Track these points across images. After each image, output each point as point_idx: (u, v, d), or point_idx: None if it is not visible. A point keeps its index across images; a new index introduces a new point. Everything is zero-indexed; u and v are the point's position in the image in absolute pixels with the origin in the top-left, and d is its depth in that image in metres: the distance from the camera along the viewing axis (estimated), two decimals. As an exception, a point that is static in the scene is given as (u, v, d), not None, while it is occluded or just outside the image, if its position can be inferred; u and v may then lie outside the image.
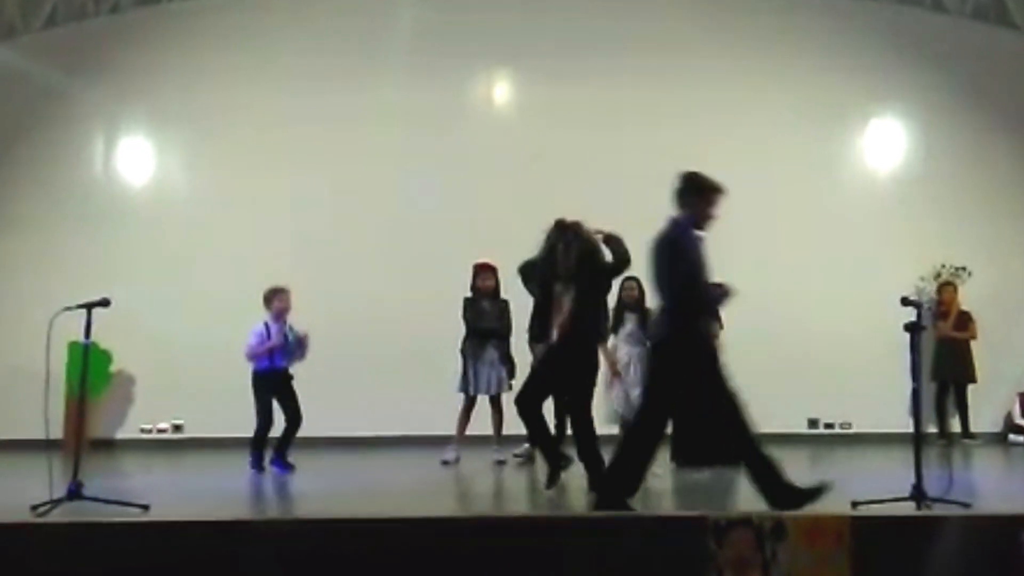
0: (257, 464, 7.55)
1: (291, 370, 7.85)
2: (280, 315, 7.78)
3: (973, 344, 10.18)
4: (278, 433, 7.74)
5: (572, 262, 6.57)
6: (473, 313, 8.33)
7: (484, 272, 8.42)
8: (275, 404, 7.74)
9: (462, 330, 8.32)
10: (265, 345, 7.69)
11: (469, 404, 8.26)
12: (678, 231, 5.75)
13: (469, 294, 8.43)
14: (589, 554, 5.07)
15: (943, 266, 10.28)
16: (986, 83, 10.73)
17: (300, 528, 5.30)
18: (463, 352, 8.29)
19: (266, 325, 7.77)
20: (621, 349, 8.18)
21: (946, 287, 10.25)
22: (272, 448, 7.66)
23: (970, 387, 10.19)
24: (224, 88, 10.31)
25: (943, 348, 10.18)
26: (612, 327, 8.18)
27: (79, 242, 10.00)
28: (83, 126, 10.45)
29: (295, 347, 7.78)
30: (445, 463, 7.92)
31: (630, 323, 8.24)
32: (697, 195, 5.81)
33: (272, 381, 7.72)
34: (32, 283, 9.69)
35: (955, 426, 10.18)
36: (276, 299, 7.79)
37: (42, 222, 10.09)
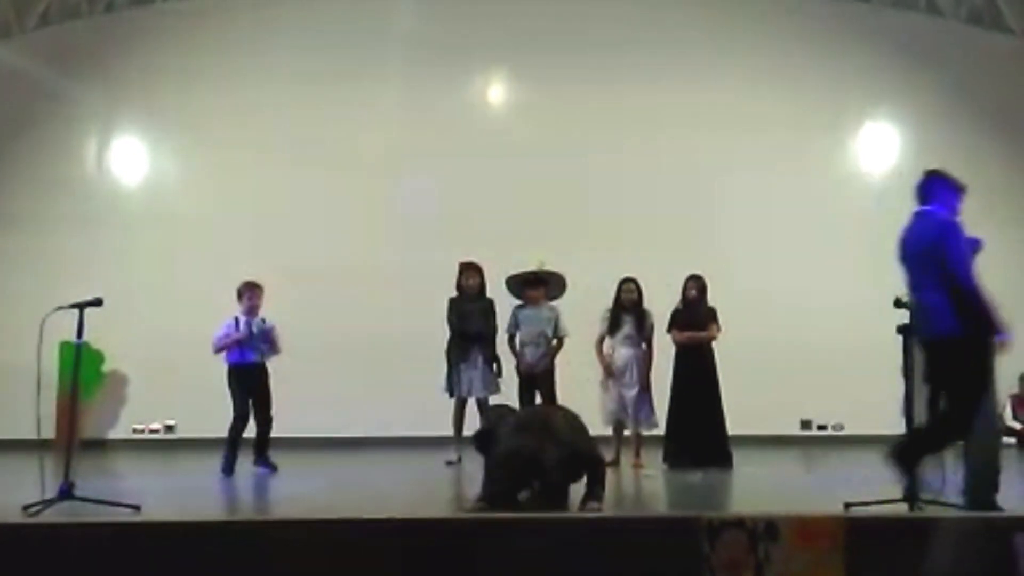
0: (228, 467, 7.37)
1: (271, 366, 7.72)
2: (251, 311, 7.68)
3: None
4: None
5: None
6: (457, 315, 8.16)
7: (469, 271, 8.27)
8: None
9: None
10: (231, 337, 7.58)
11: (459, 405, 8.14)
12: (949, 223, 5.68)
13: (455, 294, 8.30)
14: (582, 554, 5.07)
15: None
16: (980, 86, 10.77)
17: (291, 529, 5.29)
18: (448, 355, 8.14)
19: (236, 319, 7.68)
20: (618, 351, 8.05)
21: None
22: (252, 450, 7.59)
23: None
24: (219, 87, 10.31)
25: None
26: (609, 329, 8.09)
27: (72, 241, 9.98)
28: (77, 125, 10.44)
29: (259, 340, 7.61)
30: (449, 463, 7.88)
31: (627, 325, 8.06)
32: (950, 190, 5.80)
33: (243, 375, 7.60)
34: (25, 282, 9.67)
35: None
36: (248, 294, 7.70)
37: (36, 221, 10.07)
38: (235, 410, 7.55)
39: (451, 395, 8.16)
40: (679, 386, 7.95)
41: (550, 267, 8.21)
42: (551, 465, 5.35)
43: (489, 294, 8.34)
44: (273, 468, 7.51)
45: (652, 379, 8.05)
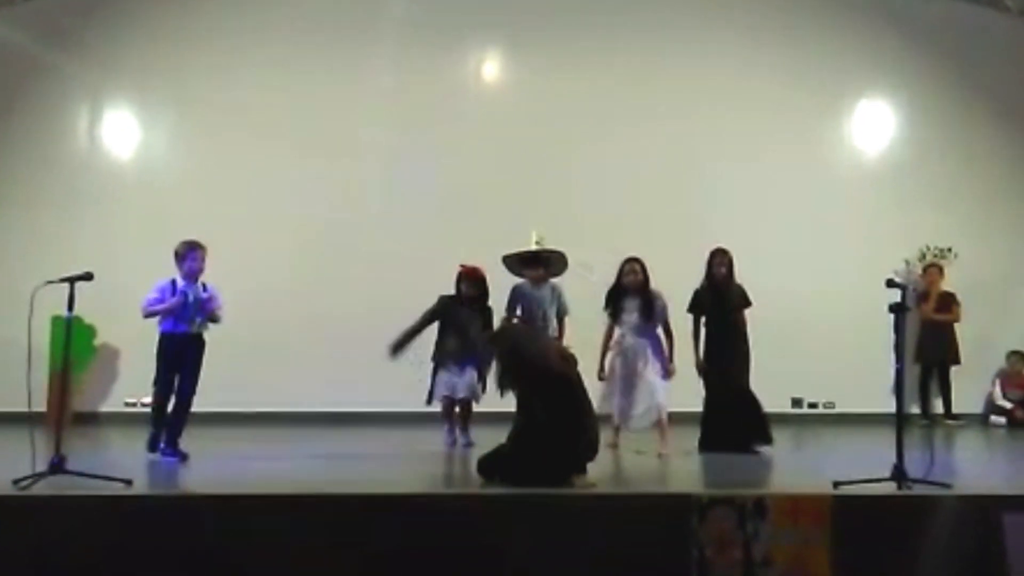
0: (152, 445, 6.80)
1: (207, 337, 6.93)
2: (191, 275, 6.84)
3: (958, 326, 10.22)
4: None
5: None
6: (448, 319, 7.63)
7: (469, 279, 7.72)
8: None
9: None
10: (163, 305, 6.75)
11: (447, 405, 7.68)
12: None
13: (452, 292, 7.77)
14: (572, 531, 5.10)
15: (928, 247, 10.29)
16: (977, 65, 10.74)
17: (282, 503, 5.31)
18: (435, 360, 7.65)
19: (172, 282, 6.83)
20: (626, 341, 7.44)
21: (931, 268, 10.26)
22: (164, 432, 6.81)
23: (955, 368, 10.24)
24: (212, 66, 10.22)
25: (926, 330, 10.21)
26: (612, 313, 7.55)
27: (64, 216, 9.92)
28: (68, 100, 10.33)
29: (195, 310, 6.78)
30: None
31: (633, 311, 7.43)
32: None
33: (172, 347, 6.79)
34: (17, 258, 9.62)
35: (939, 407, 10.24)
36: (190, 256, 6.86)
37: (27, 197, 10.00)
38: (157, 383, 6.82)
39: (428, 401, 7.68)
40: (713, 372, 7.43)
41: (549, 244, 7.74)
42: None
43: (492, 298, 7.80)
44: (183, 457, 6.69)
45: (675, 365, 7.44)
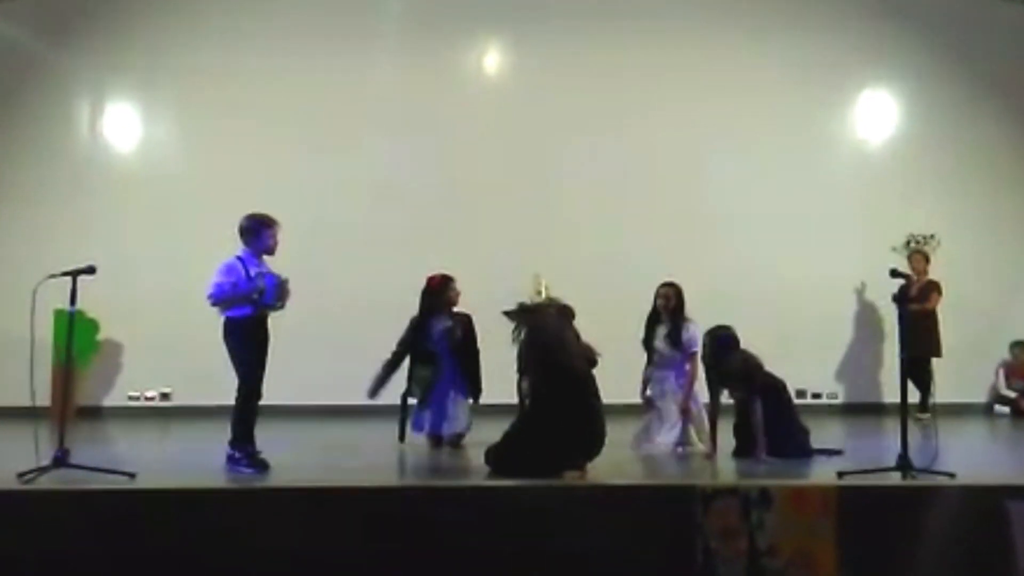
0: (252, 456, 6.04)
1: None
2: (270, 252, 6.29)
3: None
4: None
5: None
6: (420, 336, 7.25)
7: (445, 284, 7.39)
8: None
9: None
10: (239, 293, 6.01)
11: (434, 443, 7.25)
12: None
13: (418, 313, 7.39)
14: (578, 521, 5.10)
15: (912, 235, 9.90)
16: (976, 49, 10.69)
17: (285, 496, 5.32)
18: (410, 393, 7.30)
19: (241, 261, 6.15)
20: (654, 373, 7.16)
21: (915, 256, 9.74)
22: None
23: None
24: (213, 54, 10.20)
25: (908, 320, 9.62)
26: (644, 340, 7.24)
27: (66, 209, 9.92)
28: (71, 95, 10.33)
29: (275, 297, 6.10)
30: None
31: (662, 338, 7.13)
32: None
33: (257, 329, 6.12)
34: (20, 251, 9.61)
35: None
36: (270, 232, 6.28)
37: (29, 189, 10.01)
38: (249, 376, 6.05)
39: (401, 439, 7.23)
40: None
41: (551, 288, 6.92)
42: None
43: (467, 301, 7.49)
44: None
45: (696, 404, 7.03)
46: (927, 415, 8.82)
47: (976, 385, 10.35)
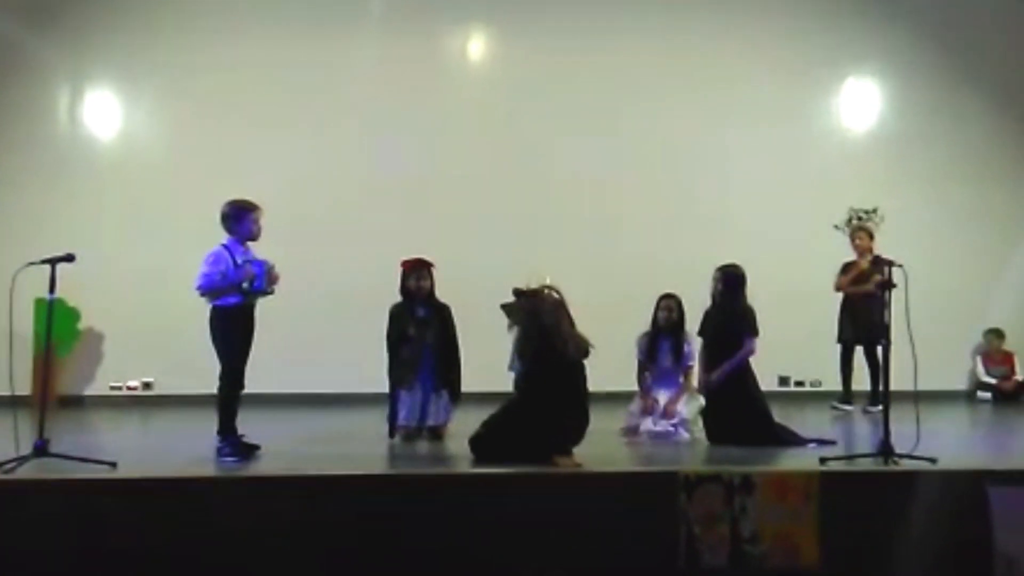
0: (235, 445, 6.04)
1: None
2: (254, 237, 6.25)
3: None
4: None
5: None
6: (402, 328, 6.96)
7: (421, 269, 7.09)
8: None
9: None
10: (228, 282, 5.96)
11: (411, 434, 6.93)
12: None
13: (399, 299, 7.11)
14: (562, 508, 5.11)
15: (852, 209, 9.27)
16: (961, 40, 10.73)
17: (267, 486, 5.30)
18: (392, 379, 6.98)
19: (227, 250, 6.09)
20: (657, 391, 7.09)
21: (859, 233, 9.09)
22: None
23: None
24: (192, 42, 10.11)
25: (846, 305, 9.14)
26: (647, 354, 7.18)
27: (46, 198, 9.82)
28: (49, 80, 10.21)
29: (265, 282, 6.09)
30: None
31: (665, 354, 7.09)
32: None
33: (243, 318, 6.10)
34: (-1, 239, 9.53)
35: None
36: (253, 216, 6.24)
37: (8, 178, 9.90)
38: (231, 364, 6.02)
39: (391, 435, 6.90)
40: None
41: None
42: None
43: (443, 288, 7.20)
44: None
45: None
46: (878, 408, 8.11)
47: (958, 372, 10.46)
